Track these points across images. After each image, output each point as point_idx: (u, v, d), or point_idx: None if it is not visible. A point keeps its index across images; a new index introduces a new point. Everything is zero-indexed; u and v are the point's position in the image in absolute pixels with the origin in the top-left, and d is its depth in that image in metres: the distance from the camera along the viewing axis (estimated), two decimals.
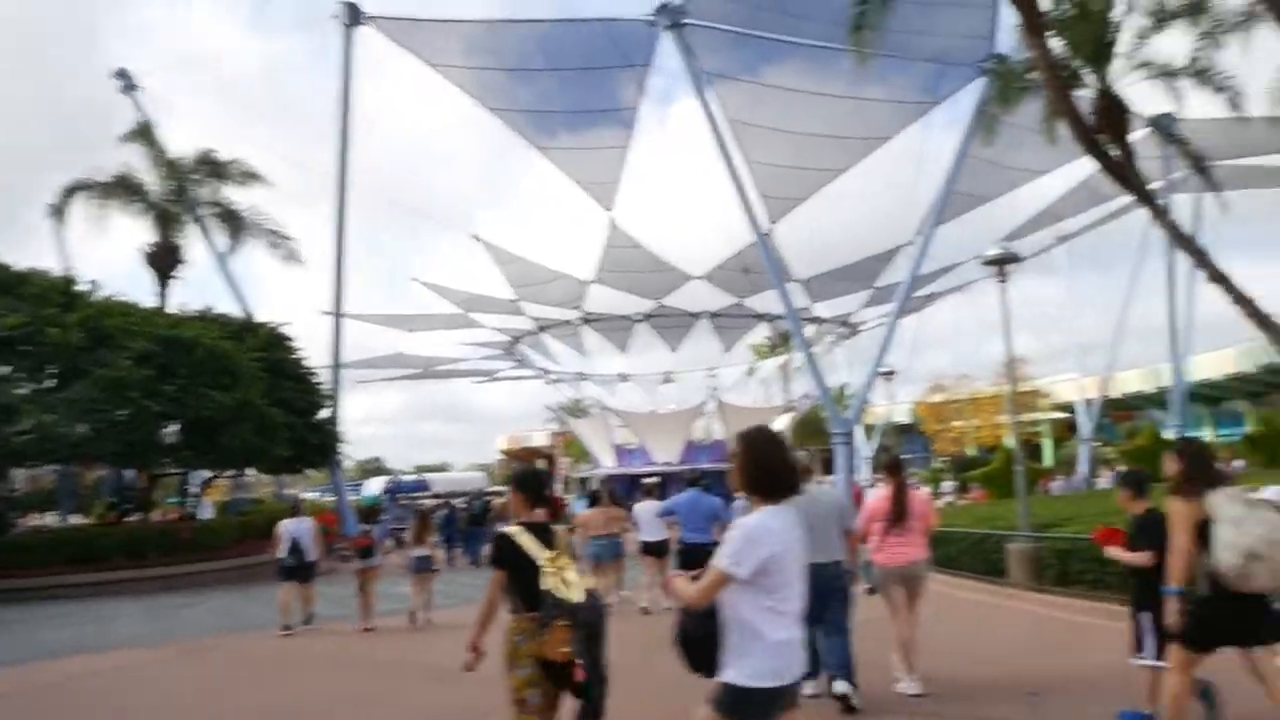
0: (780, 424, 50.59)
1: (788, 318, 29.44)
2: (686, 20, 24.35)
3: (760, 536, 3.25)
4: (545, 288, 39.56)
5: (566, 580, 4.10)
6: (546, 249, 41.25)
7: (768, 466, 3.40)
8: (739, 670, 3.24)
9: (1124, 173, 14.02)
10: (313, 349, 29.90)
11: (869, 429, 63.94)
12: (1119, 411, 58.87)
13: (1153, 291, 39.83)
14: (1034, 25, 13.28)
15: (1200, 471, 5.06)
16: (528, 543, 4.23)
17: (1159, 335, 37.80)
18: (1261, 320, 12.99)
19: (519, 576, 4.16)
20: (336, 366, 30.24)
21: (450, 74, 27.19)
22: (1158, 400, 62.77)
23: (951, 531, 14.17)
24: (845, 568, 6.84)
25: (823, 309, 44.58)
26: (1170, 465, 5.27)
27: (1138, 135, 21.71)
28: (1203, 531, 4.80)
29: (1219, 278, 13.21)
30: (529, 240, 69.76)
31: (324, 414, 29.03)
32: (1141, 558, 5.66)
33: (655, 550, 13.98)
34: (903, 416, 74.70)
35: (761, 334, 55.89)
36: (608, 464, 49.89)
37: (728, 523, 9.62)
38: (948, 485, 40.37)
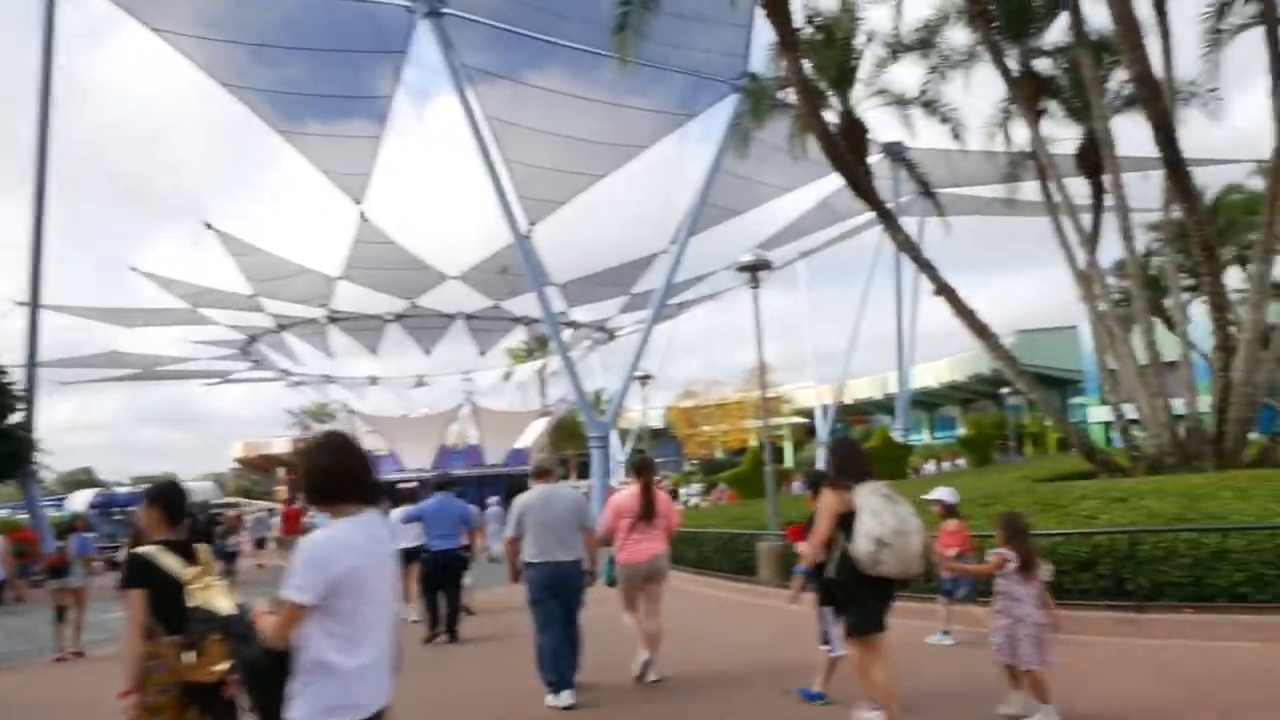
0: (537, 428, 50.30)
1: (545, 321, 29.06)
2: (445, 10, 23.39)
3: (328, 553, 2.80)
4: (287, 283, 36.66)
5: (213, 596, 3.86)
6: (290, 242, 38.46)
7: (337, 474, 2.94)
8: (306, 707, 2.74)
9: (865, 189, 14.82)
10: (5, 345, 25.91)
11: (624, 433, 65.18)
12: (853, 416, 63.78)
13: (881, 306, 43.52)
14: (788, 42, 13.72)
15: (850, 466, 5.34)
16: (169, 562, 3.94)
17: (886, 346, 41.23)
18: (980, 330, 14.16)
19: (161, 598, 3.89)
20: (32, 365, 26.34)
21: (179, 44, 24.49)
22: (884, 406, 68.91)
23: (703, 532, 14.26)
24: (584, 567, 6.85)
25: (580, 313, 44.77)
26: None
27: (873, 159, 23.61)
28: (849, 521, 5.06)
29: (945, 290, 14.25)
30: (270, 232, 64.81)
31: (15, 418, 25.18)
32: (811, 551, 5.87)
33: (406, 558, 13.10)
34: (656, 421, 76.92)
35: (519, 338, 55.37)
36: None
37: (478, 528, 9.06)
38: (693, 489, 41.56)
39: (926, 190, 18.29)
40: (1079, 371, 54.68)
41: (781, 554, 11.99)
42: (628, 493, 7.55)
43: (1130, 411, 14.42)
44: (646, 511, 7.18)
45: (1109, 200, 16.52)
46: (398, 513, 13.18)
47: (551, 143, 27.41)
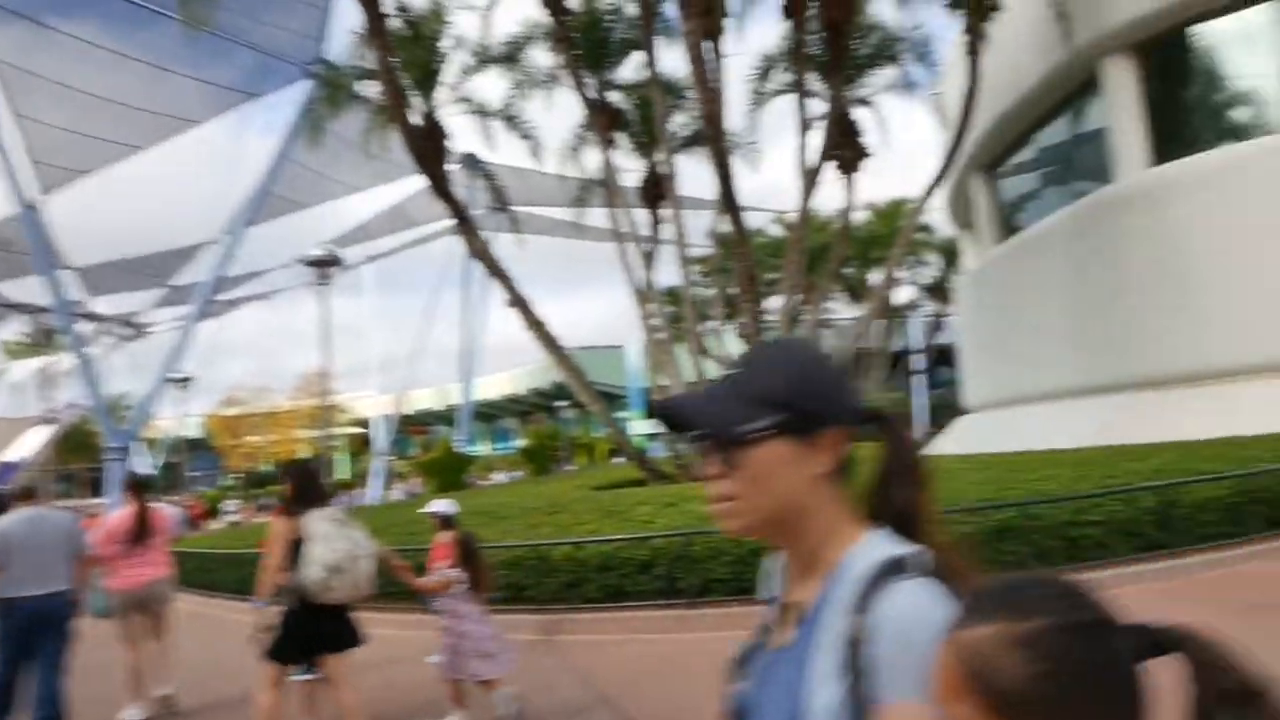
0: (36, 437, 42.30)
1: (55, 310, 24.38)
2: None
3: None
4: None
5: None
6: None
7: None
8: None
9: (445, 191, 14.55)
10: None
11: (152, 443, 57.89)
12: (414, 426, 63.09)
13: (445, 318, 43.71)
14: (376, 28, 13.02)
15: (305, 491, 5.20)
16: None
17: (447, 358, 41.30)
18: (550, 343, 14.56)
19: None
20: None
21: None
22: (445, 417, 69.18)
23: (244, 554, 12.41)
24: (70, 598, 6.07)
25: (103, 305, 38.64)
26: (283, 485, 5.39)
27: (451, 167, 23.44)
28: (299, 548, 4.92)
29: (519, 302, 14.44)
30: None
31: None
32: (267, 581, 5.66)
33: None
34: (193, 430, 69.42)
35: (16, 328, 46.38)
36: None
37: None
38: (231, 504, 37.78)
39: (502, 204, 18.51)
40: (624, 388, 59.83)
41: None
42: (120, 514, 7.09)
43: None
44: (140, 534, 6.72)
45: (664, 232, 18.23)
46: None
47: (78, 101, 23.31)
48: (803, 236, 14.68)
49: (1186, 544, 7.93)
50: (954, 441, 18.94)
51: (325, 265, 11.31)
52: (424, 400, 63.76)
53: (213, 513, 34.75)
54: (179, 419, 51.53)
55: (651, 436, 39.65)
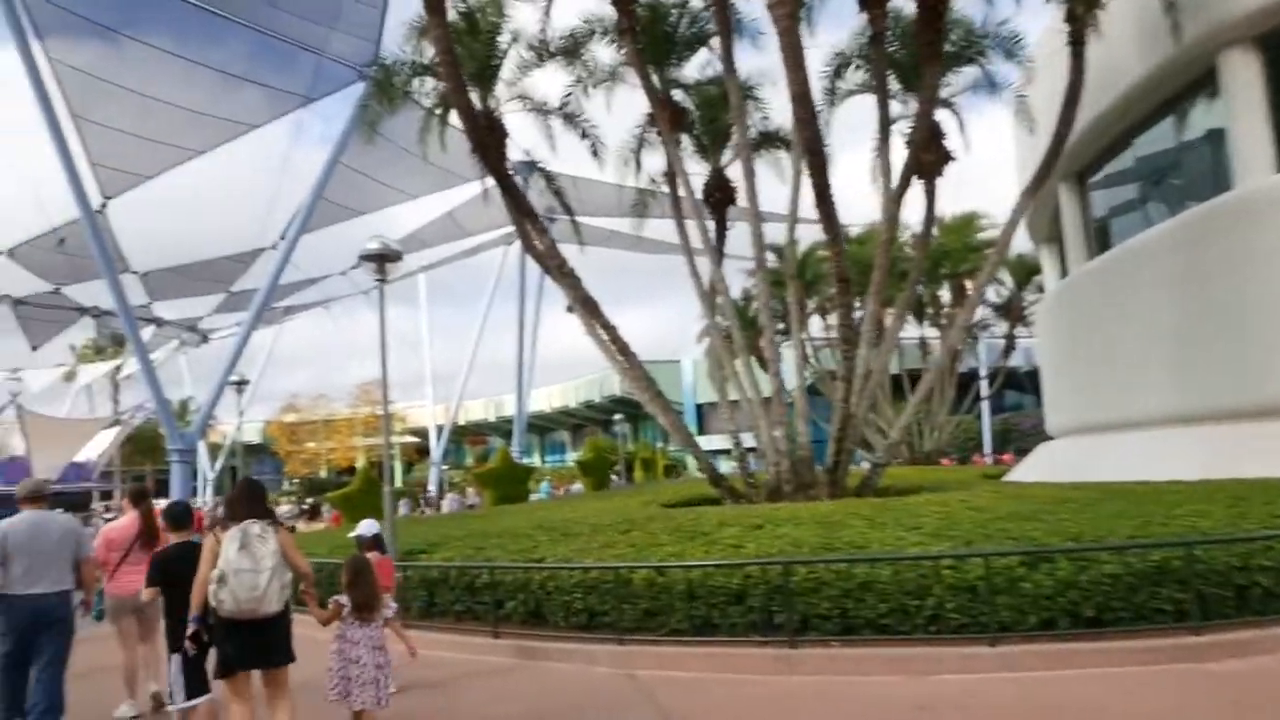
0: (105, 439, 42.69)
1: (119, 314, 24.08)
2: None
3: None
4: None
5: None
6: None
7: None
8: None
9: (509, 186, 13.78)
10: None
11: (215, 448, 58.61)
12: (473, 436, 62.96)
13: (494, 329, 43.56)
14: (436, 6, 12.29)
15: (233, 506, 5.24)
16: None
17: (497, 370, 40.70)
18: (623, 349, 13.63)
19: None
20: None
21: None
22: (496, 428, 69.02)
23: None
24: (70, 600, 6.42)
25: (166, 309, 38.91)
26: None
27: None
28: None
29: (587, 304, 13.55)
30: None
31: None
32: (147, 593, 5.64)
33: None
34: (253, 436, 70.33)
35: (87, 333, 47.09)
36: None
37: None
38: (285, 509, 37.44)
39: (566, 207, 17.69)
40: (679, 404, 58.86)
41: (400, 586, 10.22)
42: (123, 521, 7.39)
43: (748, 440, 14.74)
44: (147, 541, 6.99)
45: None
46: None
47: (139, 105, 23.25)
48: (891, 239, 13.57)
49: None
50: (1039, 469, 17.54)
51: (384, 260, 10.51)
52: (476, 411, 63.50)
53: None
54: (238, 425, 51.83)
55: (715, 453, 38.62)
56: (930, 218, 15.80)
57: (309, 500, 42.43)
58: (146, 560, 6.56)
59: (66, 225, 28.71)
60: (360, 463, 40.71)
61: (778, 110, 18.32)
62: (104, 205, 25.60)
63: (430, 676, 7.54)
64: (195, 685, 5.41)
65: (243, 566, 4.84)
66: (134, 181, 26.03)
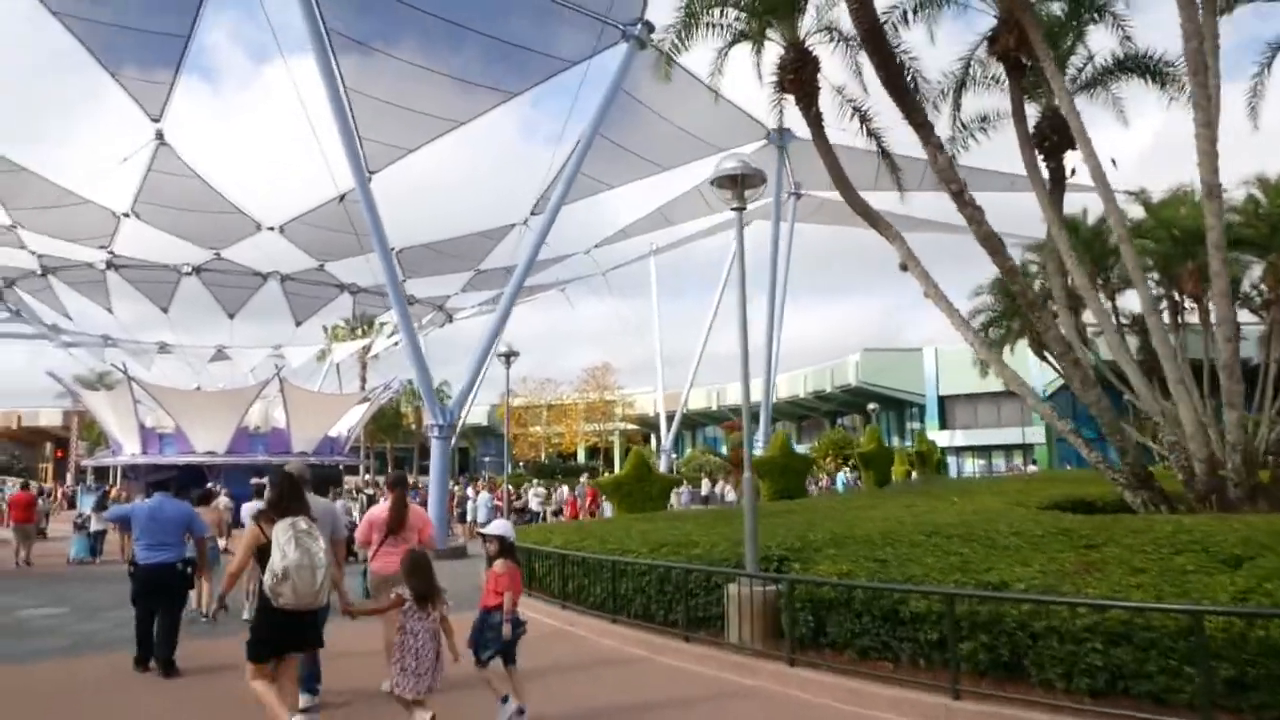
0: (354, 415, 44.60)
1: (389, 286, 23.53)
2: None
3: None
4: (58, 214, 30.05)
5: None
6: (59, 160, 31.73)
7: None
8: None
9: (901, 89, 11.92)
10: None
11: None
12: (729, 422, 61.77)
13: (720, 317, 42.47)
14: None
15: (278, 500, 5.58)
16: None
17: (714, 360, 38.88)
18: (963, 322, 11.58)
19: None
20: None
21: None
22: (716, 417, 67.76)
23: (621, 561, 9.64)
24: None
25: (415, 287, 39.73)
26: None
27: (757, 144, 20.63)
28: (266, 554, 5.34)
29: (990, 239, 11.58)
30: (30, 144, 55.30)
31: None
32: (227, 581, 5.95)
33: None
34: (479, 418, 72.59)
35: (342, 312, 49.64)
36: (131, 450, 39.09)
37: (203, 536, 8.82)
38: (530, 493, 36.51)
39: (893, 166, 15.50)
40: (920, 394, 55.05)
41: (772, 605, 8.16)
42: (381, 506, 7.85)
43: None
44: (396, 525, 7.46)
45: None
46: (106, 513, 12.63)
47: (402, 72, 23.19)
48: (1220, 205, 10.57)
49: None
50: None
51: (744, 185, 8.78)
52: (697, 400, 62.22)
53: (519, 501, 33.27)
54: (468, 406, 53.26)
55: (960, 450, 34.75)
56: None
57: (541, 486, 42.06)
58: (404, 542, 7.30)
59: (327, 204, 29.75)
60: (580, 448, 40.07)
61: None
62: (369, 179, 25.96)
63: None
64: (263, 655, 5.53)
65: (303, 564, 5.15)
66: (396, 155, 26.20)
